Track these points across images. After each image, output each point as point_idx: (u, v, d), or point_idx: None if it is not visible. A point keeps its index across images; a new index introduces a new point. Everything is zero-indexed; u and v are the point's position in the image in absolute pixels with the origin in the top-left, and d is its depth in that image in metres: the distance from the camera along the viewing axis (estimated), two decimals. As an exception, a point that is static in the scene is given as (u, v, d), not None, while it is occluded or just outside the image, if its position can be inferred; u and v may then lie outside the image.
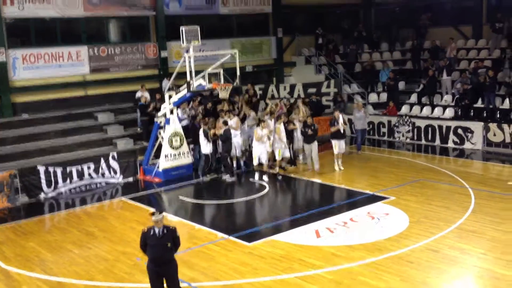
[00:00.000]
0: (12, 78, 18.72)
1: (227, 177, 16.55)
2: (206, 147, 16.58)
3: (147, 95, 19.45)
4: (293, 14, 26.59)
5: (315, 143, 16.70)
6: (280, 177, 16.35)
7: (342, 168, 16.94)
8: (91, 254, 11.29)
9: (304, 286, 9.27)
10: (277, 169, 16.59)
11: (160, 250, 8.09)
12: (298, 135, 17.46)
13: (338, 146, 16.97)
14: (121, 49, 21.18)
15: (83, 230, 12.81)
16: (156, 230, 8.12)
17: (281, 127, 16.61)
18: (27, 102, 19.03)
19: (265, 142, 16.42)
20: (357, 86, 24.84)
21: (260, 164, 16.85)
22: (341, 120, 17.18)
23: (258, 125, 16.75)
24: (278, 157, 16.53)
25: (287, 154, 17.02)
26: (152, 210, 8.91)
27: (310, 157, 16.92)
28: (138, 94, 19.71)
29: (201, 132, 16.61)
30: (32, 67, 19.09)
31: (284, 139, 16.63)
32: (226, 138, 16.42)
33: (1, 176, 14.96)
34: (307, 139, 16.63)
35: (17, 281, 10.14)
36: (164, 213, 13.37)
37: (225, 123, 16.56)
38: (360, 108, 19.75)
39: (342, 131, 17.17)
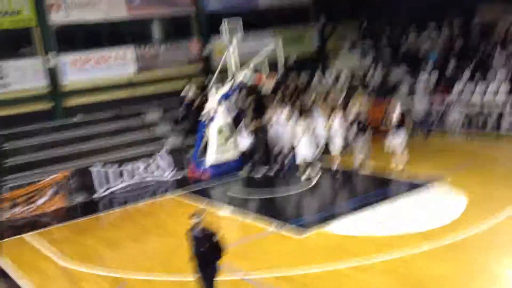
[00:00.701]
0: (63, 82, 19.32)
1: (255, 173, 16.27)
2: (242, 142, 16.38)
3: (193, 91, 19.62)
4: (335, 1, 26.12)
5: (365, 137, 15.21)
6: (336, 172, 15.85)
7: (401, 167, 14.68)
8: (147, 249, 11.54)
9: (357, 276, 9.14)
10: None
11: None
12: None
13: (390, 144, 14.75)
14: (165, 48, 21.46)
15: (137, 226, 13.09)
16: (195, 232, 8.04)
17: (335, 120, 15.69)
18: (78, 105, 19.59)
19: (306, 135, 15.60)
20: (405, 69, 24.20)
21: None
22: (397, 111, 14.87)
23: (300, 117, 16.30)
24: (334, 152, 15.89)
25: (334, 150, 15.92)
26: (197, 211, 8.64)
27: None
28: (186, 92, 19.86)
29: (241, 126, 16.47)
30: (81, 70, 19.67)
31: (338, 133, 15.57)
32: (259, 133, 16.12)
33: (57, 178, 15.49)
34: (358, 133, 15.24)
35: (77, 277, 10.46)
36: (216, 208, 13.74)
37: (260, 118, 16.26)
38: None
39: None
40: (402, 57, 24.88)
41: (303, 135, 15.72)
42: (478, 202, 11.74)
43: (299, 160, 16.19)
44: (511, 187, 12.49)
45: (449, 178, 13.65)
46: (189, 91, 19.61)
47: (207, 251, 7.96)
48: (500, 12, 23.19)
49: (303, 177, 15.51)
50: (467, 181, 13.28)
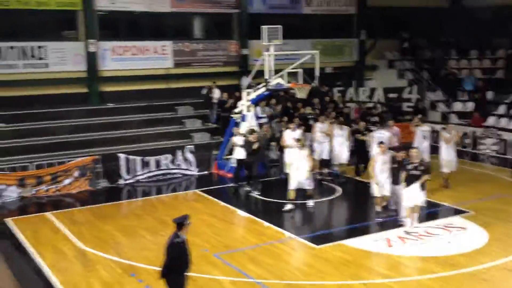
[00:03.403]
0: (101, 68, 19.68)
1: (254, 193, 15.11)
2: (238, 152, 15.73)
3: (217, 92, 19.73)
4: (378, 16, 25.99)
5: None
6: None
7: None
8: (163, 241, 11.56)
9: (370, 294, 9.07)
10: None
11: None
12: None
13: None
14: (204, 45, 21.67)
15: (157, 218, 13.21)
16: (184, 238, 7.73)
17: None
18: (113, 92, 19.92)
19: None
20: (442, 94, 23.94)
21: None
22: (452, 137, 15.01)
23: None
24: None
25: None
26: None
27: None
28: (207, 91, 19.89)
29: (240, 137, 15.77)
30: (119, 58, 20.01)
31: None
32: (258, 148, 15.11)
33: (85, 161, 15.76)
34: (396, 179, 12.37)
35: (92, 260, 10.63)
36: (235, 209, 13.80)
37: (252, 131, 15.32)
38: None
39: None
40: (439, 82, 24.58)
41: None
42: (499, 238, 11.50)
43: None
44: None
45: (474, 207, 13.43)
46: (215, 91, 19.70)
47: (178, 259, 7.62)
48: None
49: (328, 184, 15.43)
50: (491, 214, 13.01)
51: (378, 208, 12.91)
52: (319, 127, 16.28)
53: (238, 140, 15.68)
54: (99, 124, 18.41)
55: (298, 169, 13.29)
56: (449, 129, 15.51)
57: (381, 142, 13.15)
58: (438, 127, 18.71)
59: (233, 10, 22.17)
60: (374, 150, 14.90)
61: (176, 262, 7.56)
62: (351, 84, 24.43)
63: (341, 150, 15.89)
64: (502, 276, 9.63)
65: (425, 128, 16.20)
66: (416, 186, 11.69)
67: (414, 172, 11.71)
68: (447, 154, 15.06)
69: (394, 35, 26.42)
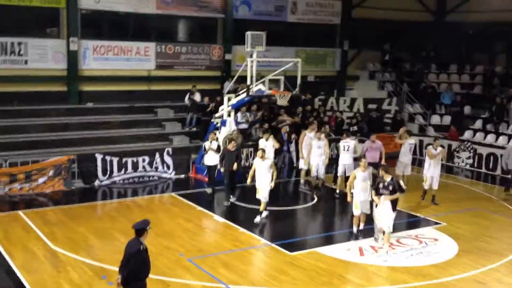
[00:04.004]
0: (82, 67, 19.51)
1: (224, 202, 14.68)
2: (208, 158, 15.46)
3: (198, 95, 19.67)
4: (361, 28, 26.26)
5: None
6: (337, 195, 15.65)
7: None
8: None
9: (341, 303, 9.11)
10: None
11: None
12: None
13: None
14: (187, 49, 21.64)
15: (132, 221, 12.94)
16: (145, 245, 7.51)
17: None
18: (93, 91, 19.74)
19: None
20: (420, 107, 24.24)
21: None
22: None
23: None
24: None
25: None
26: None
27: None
28: (190, 95, 19.80)
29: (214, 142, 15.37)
30: (101, 58, 19.84)
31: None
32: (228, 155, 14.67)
33: (60, 160, 15.57)
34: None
35: (62, 261, 10.50)
36: (212, 213, 13.76)
37: (231, 140, 14.93)
38: None
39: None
40: (419, 94, 24.90)
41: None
42: (469, 250, 11.66)
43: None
44: (500, 241, 12.37)
45: (447, 218, 13.60)
46: (195, 94, 19.62)
47: (140, 266, 7.44)
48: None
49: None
50: (462, 227, 13.19)
51: (354, 229, 12.22)
52: (309, 137, 16.10)
53: (212, 144, 15.32)
54: (77, 124, 18.24)
55: (260, 180, 12.95)
56: (436, 145, 15.09)
57: (363, 156, 13.06)
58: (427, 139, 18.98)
59: (218, 15, 22.18)
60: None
61: (139, 269, 7.39)
62: (332, 94, 24.62)
63: (319, 164, 15.46)
64: (471, 288, 9.77)
65: (412, 141, 16.19)
66: (385, 206, 11.18)
67: (385, 191, 11.17)
68: (429, 170, 14.83)
69: (376, 47, 26.69)
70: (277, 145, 15.71)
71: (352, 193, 12.11)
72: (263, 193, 12.94)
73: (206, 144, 15.49)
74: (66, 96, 19.33)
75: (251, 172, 13.29)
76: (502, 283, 10.02)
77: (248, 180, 13.51)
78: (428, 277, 10.13)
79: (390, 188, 11.14)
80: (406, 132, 16.57)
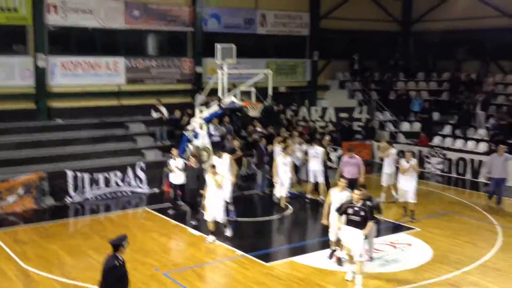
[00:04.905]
0: (50, 84, 19.25)
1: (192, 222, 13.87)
2: (174, 177, 14.95)
3: (164, 110, 19.55)
4: (330, 39, 26.61)
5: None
6: (307, 200, 16.05)
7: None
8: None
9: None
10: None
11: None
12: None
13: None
14: (157, 63, 21.57)
15: (105, 237, 12.86)
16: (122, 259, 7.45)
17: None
18: (62, 108, 19.47)
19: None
20: (390, 114, 24.62)
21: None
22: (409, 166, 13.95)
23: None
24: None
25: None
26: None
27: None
28: (157, 110, 19.65)
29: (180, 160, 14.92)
30: (70, 74, 19.61)
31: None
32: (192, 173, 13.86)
33: (30, 178, 15.29)
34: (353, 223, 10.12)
35: (35, 281, 10.28)
36: (186, 227, 13.63)
37: (194, 156, 14.38)
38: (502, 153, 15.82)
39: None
40: (388, 102, 25.32)
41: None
42: (443, 254, 11.83)
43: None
44: (473, 244, 12.57)
45: (420, 224, 13.78)
46: (160, 109, 19.49)
47: (118, 281, 7.34)
48: (486, 70, 23.85)
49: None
50: (436, 231, 13.38)
51: (331, 249, 11.34)
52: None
53: (177, 163, 14.74)
54: (47, 141, 17.92)
55: (210, 198, 12.38)
56: (408, 157, 14.30)
57: (342, 177, 11.94)
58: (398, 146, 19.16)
59: (187, 29, 22.20)
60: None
61: (116, 285, 7.30)
62: (303, 104, 24.82)
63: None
64: (446, 292, 9.90)
65: (394, 150, 16.15)
66: (357, 235, 9.87)
67: (354, 218, 9.86)
68: (402, 184, 14.22)
69: (345, 56, 27.07)
70: (234, 168, 14.47)
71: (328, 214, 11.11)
72: (217, 214, 12.29)
73: (171, 162, 14.94)
74: (35, 113, 19.02)
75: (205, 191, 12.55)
76: (476, 286, 10.17)
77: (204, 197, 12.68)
78: (404, 282, 10.23)
79: (361, 214, 9.82)
80: (387, 143, 16.70)
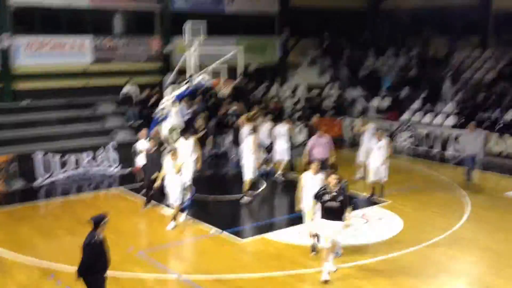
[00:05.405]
0: (15, 65, 18.76)
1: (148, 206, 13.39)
2: (141, 160, 14.05)
3: (135, 89, 19.34)
4: (300, 16, 26.53)
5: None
6: (281, 177, 16.12)
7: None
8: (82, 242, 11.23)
9: (295, 285, 9.23)
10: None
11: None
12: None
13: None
14: (125, 42, 21.19)
15: (77, 218, 12.76)
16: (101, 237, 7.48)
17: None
18: (28, 89, 19.02)
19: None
20: (361, 90, 24.79)
21: None
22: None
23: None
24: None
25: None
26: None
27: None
28: (126, 89, 19.41)
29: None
30: (35, 54, 19.15)
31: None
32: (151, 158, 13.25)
33: (-2, 161, 14.97)
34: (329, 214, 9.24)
35: (7, 264, 10.11)
36: (160, 205, 13.52)
37: (151, 139, 13.79)
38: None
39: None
40: (359, 79, 25.50)
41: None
42: (413, 225, 12.08)
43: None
44: (443, 216, 12.85)
45: (391, 197, 14.02)
46: (130, 88, 19.26)
47: (95, 259, 7.33)
48: (453, 46, 24.19)
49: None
50: (406, 204, 13.64)
51: (311, 241, 10.46)
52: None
53: (144, 145, 14.00)
54: (14, 123, 17.52)
55: (169, 182, 12.01)
56: (379, 135, 14.11)
57: (311, 160, 11.41)
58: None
59: (155, 7, 21.82)
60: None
61: (94, 262, 7.30)
62: (274, 82, 24.78)
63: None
64: (418, 261, 10.13)
65: (372, 125, 15.82)
66: (336, 223, 9.11)
67: (331, 204, 9.03)
68: (373, 163, 14.00)
69: (316, 34, 27.05)
70: (198, 151, 13.74)
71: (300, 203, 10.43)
72: (173, 198, 11.95)
73: (137, 145, 14.30)
74: (0, 95, 18.54)
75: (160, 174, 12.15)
76: (445, 255, 10.43)
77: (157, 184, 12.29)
78: (376, 253, 10.42)
79: (340, 199, 9.04)
80: (364, 121, 16.44)
